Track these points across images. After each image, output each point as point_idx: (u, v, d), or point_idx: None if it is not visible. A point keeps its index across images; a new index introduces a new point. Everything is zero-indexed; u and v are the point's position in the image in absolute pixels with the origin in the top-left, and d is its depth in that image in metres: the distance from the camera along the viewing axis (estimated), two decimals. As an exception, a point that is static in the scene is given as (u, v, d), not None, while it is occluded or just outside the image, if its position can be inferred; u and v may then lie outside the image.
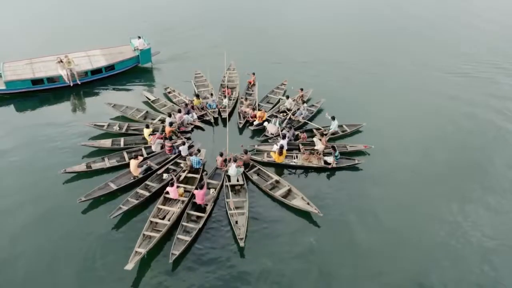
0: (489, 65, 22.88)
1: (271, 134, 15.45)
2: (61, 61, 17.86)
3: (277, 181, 13.27)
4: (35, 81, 17.88)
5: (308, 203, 12.11)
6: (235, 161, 13.09)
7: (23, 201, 12.21)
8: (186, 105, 16.52)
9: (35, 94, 17.92)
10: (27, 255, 10.57)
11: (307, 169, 14.08)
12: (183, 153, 13.99)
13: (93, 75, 19.03)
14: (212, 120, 16.37)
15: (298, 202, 12.27)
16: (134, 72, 20.49)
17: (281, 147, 13.68)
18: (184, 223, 11.36)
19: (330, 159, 13.95)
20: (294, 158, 14.28)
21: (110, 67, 19.45)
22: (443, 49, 24.81)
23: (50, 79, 18.10)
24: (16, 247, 10.77)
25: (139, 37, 20.09)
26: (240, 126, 16.05)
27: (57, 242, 10.94)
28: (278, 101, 17.74)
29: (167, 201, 12.22)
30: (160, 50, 21.38)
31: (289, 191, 12.82)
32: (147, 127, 14.75)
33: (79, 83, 18.47)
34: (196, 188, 12.05)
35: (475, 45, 25.52)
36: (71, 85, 18.21)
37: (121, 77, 19.82)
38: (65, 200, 12.08)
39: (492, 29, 28.32)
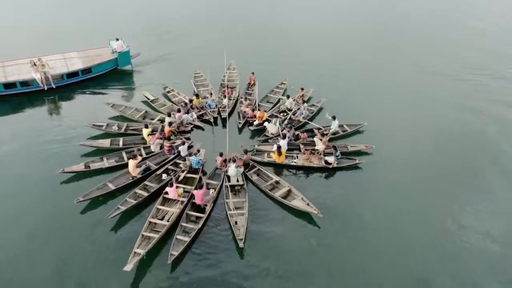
0: (491, 67, 22.77)
1: (272, 134, 15.36)
2: (35, 64, 17.11)
3: (277, 182, 13.19)
4: (7, 85, 17.13)
5: (308, 204, 12.02)
6: (234, 161, 13.03)
7: (20, 201, 12.10)
8: (185, 104, 16.43)
9: (8, 98, 17.20)
10: (24, 255, 10.46)
11: (307, 169, 13.99)
12: (183, 153, 13.90)
13: (69, 78, 18.38)
14: (212, 120, 16.28)
15: (298, 202, 12.19)
16: (113, 75, 19.79)
17: (279, 147, 13.59)
18: (184, 224, 11.27)
19: (331, 159, 13.87)
20: (295, 158, 14.19)
21: (87, 70, 18.77)
22: (445, 50, 24.70)
23: (24, 83, 17.36)
24: (13, 247, 10.67)
25: (117, 39, 19.41)
26: (240, 126, 15.96)
27: (55, 243, 10.84)
28: (278, 101, 17.67)
29: (166, 201, 12.12)
30: (142, 51, 20.67)
31: (289, 191, 12.73)
32: (146, 127, 14.66)
33: (54, 87, 17.78)
34: (196, 189, 11.99)
35: (476, 47, 25.37)
36: (46, 89, 17.58)
37: (99, 81, 19.17)
38: (63, 200, 11.96)
39: (494, 32, 28.27)
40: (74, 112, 16.83)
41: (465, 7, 33.17)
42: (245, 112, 16.35)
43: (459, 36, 27.15)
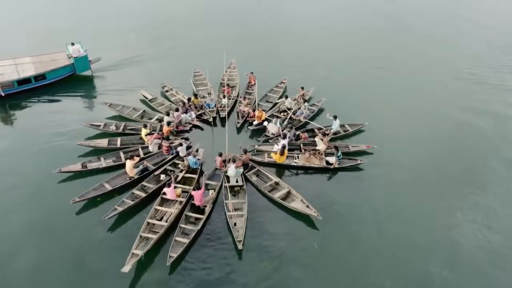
0: (496, 66, 22.70)
1: (272, 134, 15.21)
2: None
3: (276, 183, 13.04)
4: None
5: (307, 206, 11.84)
6: (234, 161, 12.91)
7: (15, 200, 11.95)
8: (184, 104, 16.29)
9: None
10: (19, 256, 10.29)
11: (308, 170, 13.85)
12: (182, 154, 13.74)
13: (20, 85, 17.27)
14: (211, 120, 16.13)
15: (297, 204, 12.03)
16: (71, 81, 18.75)
17: (284, 147, 13.46)
18: (183, 225, 11.12)
19: (332, 159, 13.72)
20: (295, 159, 14.05)
21: (41, 77, 17.69)
22: (446, 49, 24.62)
23: None
24: (8, 248, 10.50)
25: (73, 44, 18.51)
26: (238, 125, 15.81)
27: (50, 244, 10.66)
28: (275, 105, 17.32)
29: (164, 201, 11.93)
30: (103, 56, 19.76)
31: (289, 193, 12.57)
32: (145, 126, 14.48)
33: (3, 95, 16.77)
34: (194, 189, 11.85)
35: (480, 46, 25.30)
36: None
37: (55, 88, 18.10)
38: (59, 201, 11.75)
39: (496, 30, 28.23)
40: (37, 118, 16.09)
41: (469, 5, 33.25)
42: (244, 111, 16.24)
43: (461, 35, 27.06)
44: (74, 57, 18.56)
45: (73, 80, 19.02)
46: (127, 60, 21.28)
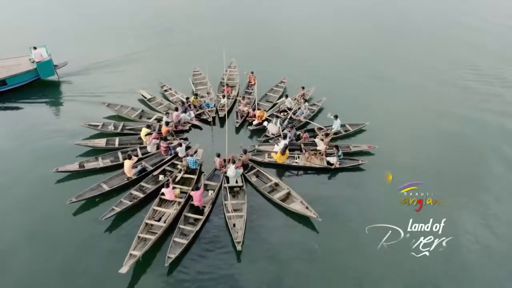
0: (495, 67, 22.67)
1: (272, 134, 15.09)
2: None
3: (276, 184, 12.90)
4: None
5: (306, 207, 11.68)
6: (233, 162, 12.82)
7: (11, 200, 11.81)
8: (183, 103, 16.17)
9: None
10: (15, 256, 10.14)
11: (309, 170, 13.73)
12: (181, 155, 13.60)
13: None
14: (210, 119, 16.02)
15: (296, 206, 11.89)
16: (36, 86, 18.05)
17: (286, 147, 13.32)
18: (181, 226, 10.98)
19: (333, 159, 13.59)
20: (296, 159, 13.94)
21: (1, 82, 16.94)
22: (447, 50, 24.59)
23: None
24: (3, 248, 10.35)
25: (35, 48, 17.76)
26: (237, 125, 15.69)
27: (47, 244, 10.51)
28: (275, 105, 17.24)
29: (162, 202, 11.78)
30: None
31: (288, 194, 12.43)
32: (148, 127, 14.31)
33: None
34: (193, 189, 11.73)
35: (480, 47, 25.30)
36: None
37: (18, 94, 17.35)
38: (56, 200, 11.59)
39: (498, 32, 28.28)
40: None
41: (469, 6, 33.33)
42: (243, 111, 16.14)
43: (463, 36, 27.01)
44: (37, 62, 17.80)
45: (39, 86, 18.09)
46: (121, 60, 21.27)
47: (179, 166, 13.22)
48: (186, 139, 15.06)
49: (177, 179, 12.71)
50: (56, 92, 18.47)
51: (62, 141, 14.39)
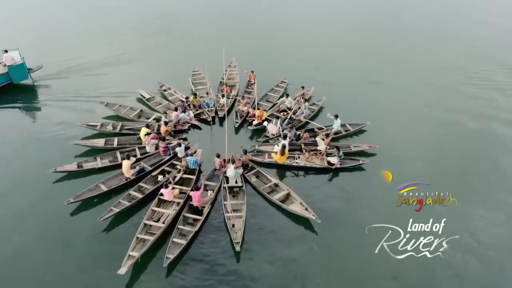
0: (496, 68, 22.62)
1: (272, 134, 15.01)
2: None
3: (276, 184, 12.80)
4: None
5: (306, 209, 11.57)
6: (233, 162, 12.76)
7: (9, 200, 11.74)
8: (182, 102, 16.07)
9: None
10: (12, 257, 10.06)
11: (309, 170, 13.66)
12: (180, 155, 13.53)
13: None
14: (209, 119, 15.95)
15: (296, 207, 11.79)
16: (8, 91, 17.55)
17: (284, 147, 13.26)
18: (180, 226, 10.90)
19: (334, 159, 13.52)
20: (296, 159, 13.86)
21: None
22: (450, 50, 24.54)
23: None
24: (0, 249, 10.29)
25: (6, 51, 17.22)
26: (236, 125, 15.62)
27: (44, 245, 10.42)
28: (275, 105, 17.18)
29: (161, 203, 11.71)
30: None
31: (288, 195, 12.33)
32: (148, 127, 14.24)
33: None
34: (192, 190, 11.67)
35: (485, 47, 25.18)
36: None
37: None
38: (54, 201, 11.49)
39: (499, 34, 28.23)
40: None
41: (474, 5, 33.23)
42: (242, 111, 16.07)
43: (466, 35, 26.96)
44: (8, 66, 17.33)
45: (13, 90, 17.59)
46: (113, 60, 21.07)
47: (178, 166, 13.17)
48: (185, 139, 14.99)
49: (176, 179, 12.64)
50: (49, 94, 18.28)
51: (61, 141, 14.32)
